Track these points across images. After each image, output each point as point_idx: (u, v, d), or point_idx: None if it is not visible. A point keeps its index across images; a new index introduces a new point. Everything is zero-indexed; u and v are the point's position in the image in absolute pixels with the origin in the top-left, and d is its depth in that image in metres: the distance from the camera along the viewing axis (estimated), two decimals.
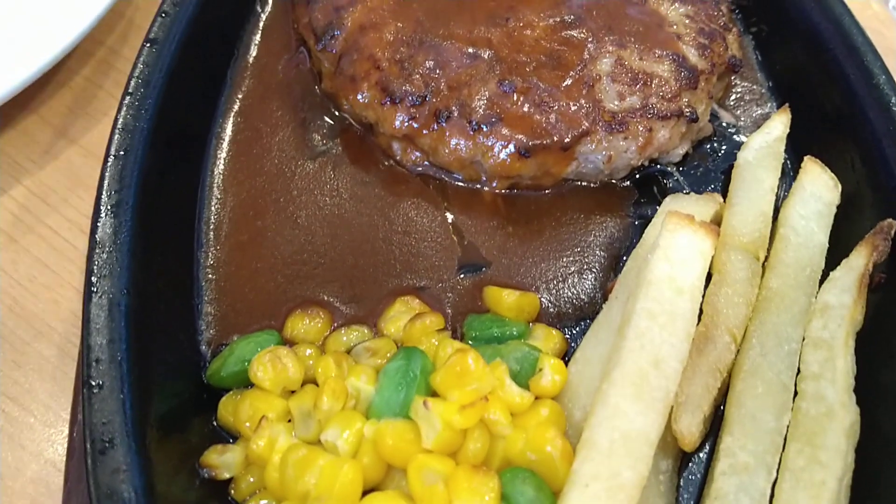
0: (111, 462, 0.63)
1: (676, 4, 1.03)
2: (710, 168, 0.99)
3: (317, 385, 0.75)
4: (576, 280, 0.88)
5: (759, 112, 1.04)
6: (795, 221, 0.86)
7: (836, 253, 0.83)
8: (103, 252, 0.73)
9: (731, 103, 1.05)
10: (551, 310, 0.86)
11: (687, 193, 0.94)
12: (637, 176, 0.97)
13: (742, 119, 1.03)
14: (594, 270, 0.89)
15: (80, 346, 0.72)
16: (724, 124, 1.02)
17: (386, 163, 0.96)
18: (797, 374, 0.76)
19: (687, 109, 0.94)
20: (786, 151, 0.93)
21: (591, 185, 0.96)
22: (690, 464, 0.77)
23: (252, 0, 1.08)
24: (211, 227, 0.89)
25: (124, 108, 0.83)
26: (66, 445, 0.82)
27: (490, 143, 0.90)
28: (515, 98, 0.91)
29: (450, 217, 0.92)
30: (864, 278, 0.79)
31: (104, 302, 0.70)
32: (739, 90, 1.06)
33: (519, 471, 0.69)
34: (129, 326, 0.70)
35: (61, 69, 1.12)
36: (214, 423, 0.77)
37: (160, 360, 0.74)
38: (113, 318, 0.70)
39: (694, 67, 0.96)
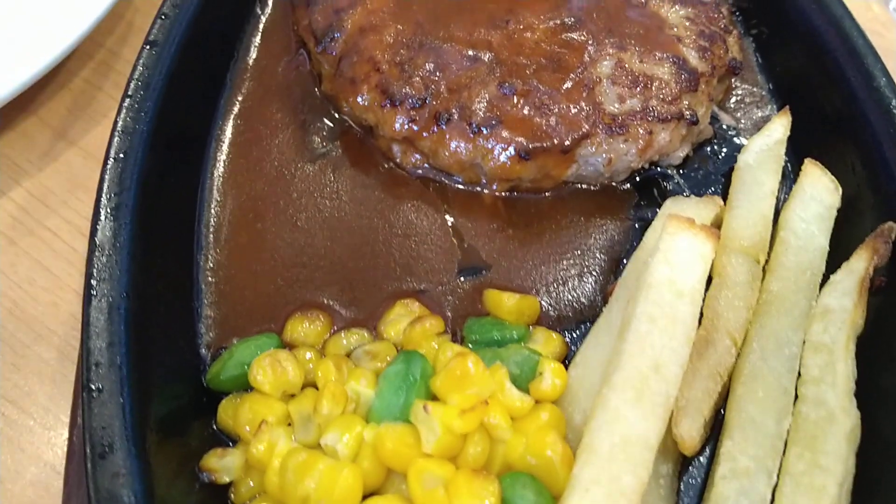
0: (111, 466, 0.63)
1: (677, 7, 1.03)
2: (711, 171, 0.99)
3: (317, 388, 0.75)
4: (576, 283, 0.88)
5: (759, 114, 1.04)
6: (796, 224, 0.86)
7: (837, 256, 0.83)
8: (103, 255, 0.73)
9: (732, 106, 1.05)
10: (551, 313, 0.86)
11: (687, 196, 0.94)
12: (637, 178, 0.97)
13: (742, 121, 1.03)
14: (594, 273, 0.89)
15: (80, 349, 0.72)
16: (724, 127, 1.02)
17: (386, 165, 0.96)
18: (798, 377, 0.76)
19: (687, 112, 0.94)
20: (786, 154, 0.93)
21: (592, 187, 0.96)
22: (691, 468, 0.77)
23: (252, 2, 1.08)
24: (211, 229, 0.89)
25: (124, 111, 0.83)
26: (65, 448, 0.82)
27: (490, 146, 0.90)
28: (515, 100, 0.91)
29: (450, 220, 0.92)
30: (865, 282, 0.79)
31: (104, 305, 0.70)
32: (740, 92, 1.06)
33: (519, 475, 0.69)
34: (128, 330, 0.70)
35: (61, 71, 1.12)
36: (214, 427, 0.77)
37: (160, 363, 0.74)
38: (112, 322, 0.70)
39: (694, 70, 0.96)
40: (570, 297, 0.87)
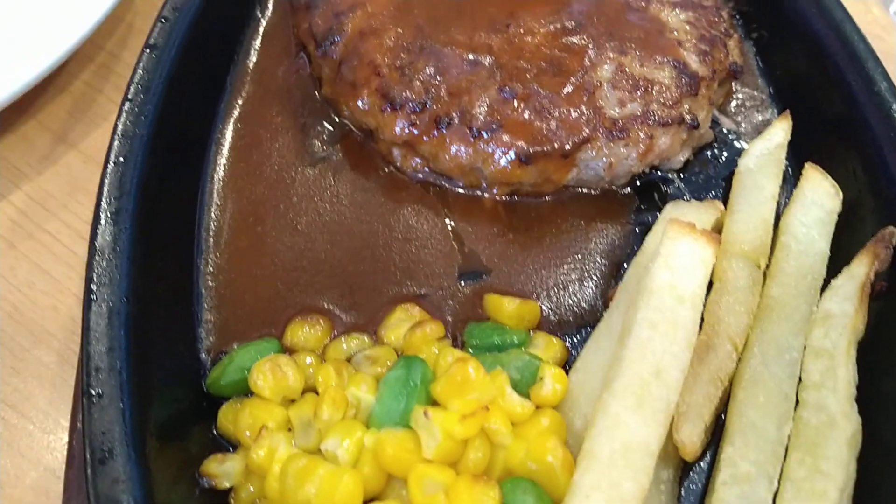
0: (111, 472, 0.63)
1: (677, 10, 1.03)
2: (711, 175, 0.99)
3: (317, 394, 0.75)
4: (576, 288, 0.88)
5: (760, 118, 1.04)
6: (796, 229, 0.85)
7: (838, 261, 0.83)
8: (103, 260, 0.73)
9: (732, 110, 1.05)
10: (552, 318, 0.86)
11: (688, 200, 0.94)
12: (638, 183, 0.97)
13: (743, 125, 1.03)
14: (595, 278, 0.89)
15: (80, 353, 0.72)
16: (724, 131, 1.02)
17: (386, 169, 0.96)
18: (798, 383, 0.76)
19: (688, 116, 0.94)
20: (787, 158, 0.93)
21: (592, 191, 0.96)
22: (691, 473, 0.77)
23: (252, 5, 1.08)
24: (211, 233, 0.89)
25: (124, 114, 0.83)
26: (65, 453, 0.82)
27: (490, 150, 0.90)
28: (516, 105, 0.91)
29: (450, 224, 0.92)
30: (866, 287, 0.79)
31: (104, 310, 0.70)
32: (740, 96, 1.06)
33: (520, 481, 0.69)
34: (128, 334, 0.70)
35: (61, 74, 1.11)
36: (214, 432, 0.77)
37: (160, 367, 0.74)
38: (112, 327, 0.70)
39: (695, 74, 0.96)
40: (570, 301, 0.87)
